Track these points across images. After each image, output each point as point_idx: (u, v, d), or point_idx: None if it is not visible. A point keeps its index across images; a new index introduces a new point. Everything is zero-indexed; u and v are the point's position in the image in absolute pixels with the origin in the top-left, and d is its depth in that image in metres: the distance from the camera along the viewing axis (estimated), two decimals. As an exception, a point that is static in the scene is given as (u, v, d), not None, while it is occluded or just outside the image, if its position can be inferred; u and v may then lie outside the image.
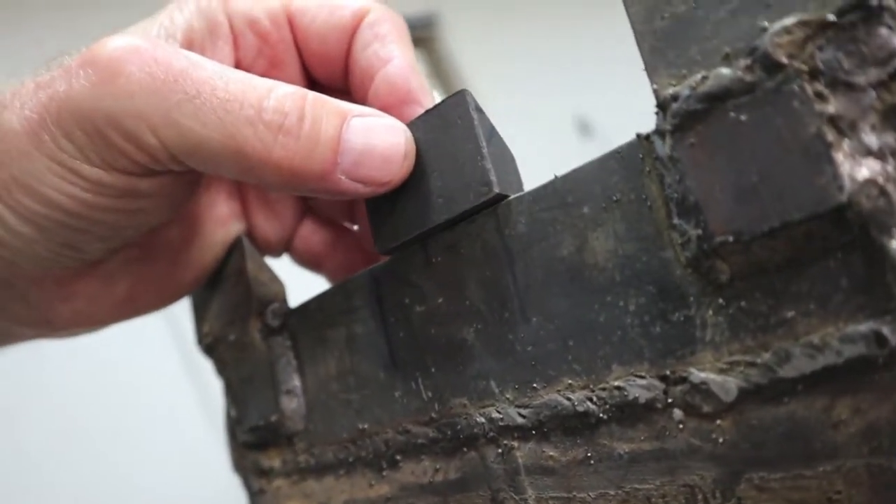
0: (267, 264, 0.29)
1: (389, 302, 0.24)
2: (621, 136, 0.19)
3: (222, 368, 0.30)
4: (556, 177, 0.20)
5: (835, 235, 0.15)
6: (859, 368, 0.15)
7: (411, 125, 0.22)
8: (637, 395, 0.18)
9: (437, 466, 0.23)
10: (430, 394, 0.23)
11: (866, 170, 0.14)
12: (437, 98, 0.24)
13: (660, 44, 0.17)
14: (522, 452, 0.21)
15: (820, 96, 0.15)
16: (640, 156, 0.18)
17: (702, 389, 0.17)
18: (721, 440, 0.17)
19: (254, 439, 0.28)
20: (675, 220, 0.17)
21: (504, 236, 0.21)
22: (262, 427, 0.27)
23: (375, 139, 0.21)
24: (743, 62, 0.16)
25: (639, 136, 0.18)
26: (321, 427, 0.26)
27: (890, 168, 0.14)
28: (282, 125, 0.20)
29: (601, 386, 0.19)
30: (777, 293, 0.16)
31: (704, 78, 0.16)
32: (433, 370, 0.23)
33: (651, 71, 0.17)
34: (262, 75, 0.26)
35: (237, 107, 0.20)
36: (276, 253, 0.31)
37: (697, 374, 0.17)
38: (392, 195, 0.23)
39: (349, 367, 0.25)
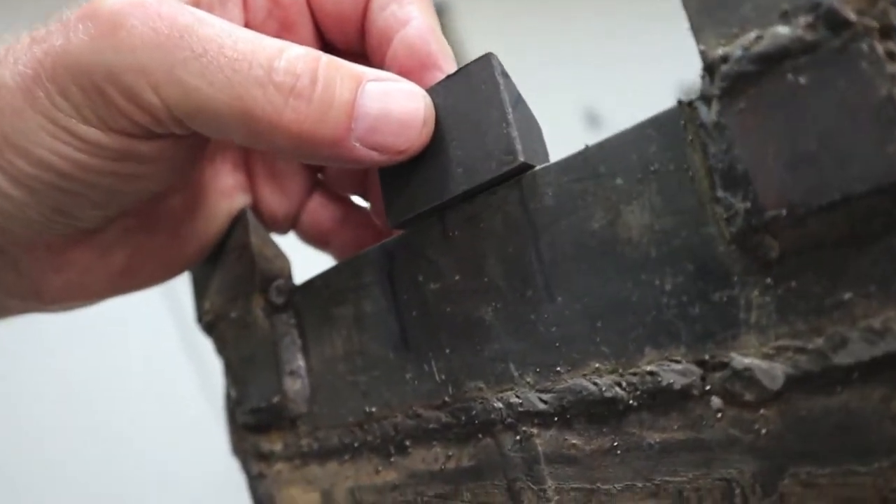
0: (272, 239, 0.27)
1: (402, 278, 0.22)
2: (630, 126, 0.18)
3: (223, 347, 0.28)
4: (587, 146, 0.19)
5: (901, 211, 0.14)
6: (925, 356, 0.14)
7: (431, 90, 0.21)
8: (671, 380, 0.17)
9: (450, 453, 0.22)
10: (443, 376, 0.21)
11: (943, 137, 0.13)
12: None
13: (708, 1, 0.16)
14: (542, 440, 0.19)
15: (892, 56, 0.13)
16: (682, 123, 0.17)
17: (744, 376, 0.16)
18: (764, 431, 0.16)
19: (254, 421, 0.27)
20: (720, 193, 0.16)
21: (528, 209, 0.19)
22: (264, 409, 0.26)
23: (392, 104, 0.20)
24: (804, 19, 0.14)
25: (681, 102, 0.17)
26: (326, 410, 0.25)
27: (970, 135, 0.13)
28: (293, 87, 0.19)
29: (632, 370, 0.18)
30: (833, 273, 0.15)
31: (759, 37, 0.15)
32: (447, 351, 0.21)
33: (697, 31, 0.16)
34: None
35: (246, 66, 0.19)
36: (283, 229, 0.29)
37: (740, 360, 0.16)
38: (407, 164, 0.21)
39: (357, 346, 0.24)
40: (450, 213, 0.21)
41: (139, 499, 1.10)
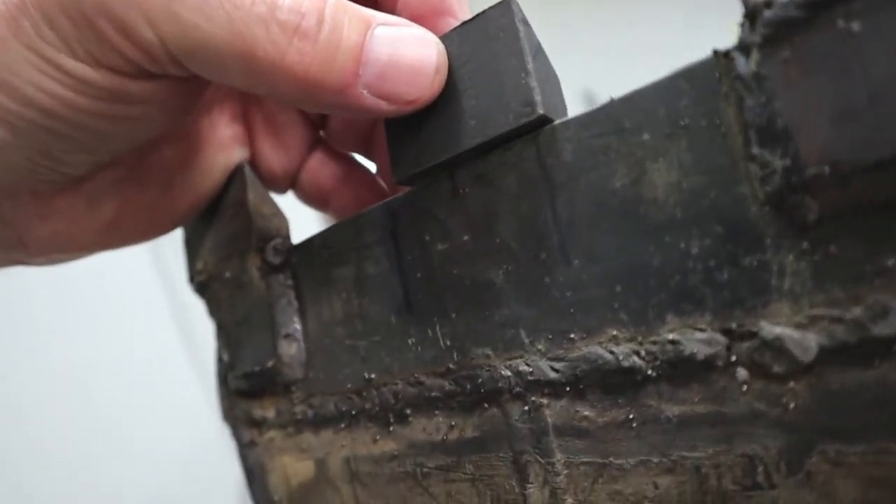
0: (270, 196, 0.26)
1: (407, 238, 0.21)
2: None
3: (216, 309, 0.27)
4: (612, 99, 0.17)
5: (957, 170, 0.12)
6: (974, 328, 0.13)
7: (445, 38, 0.20)
8: (694, 350, 0.16)
9: (453, 423, 0.20)
10: (448, 342, 0.20)
11: None
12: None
13: None
14: (552, 411, 0.18)
15: (958, 0, 0.12)
16: (717, 75, 0.16)
17: (774, 346, 0.15)
18: (792, 406, 0.15)
19: (247, 386, 0.26)
20: (755, 150, 0.15)
21: (546, 166, 0.18)
22: (257, 373, 0.25)
23: (403, 50, 0.19)
24: None
25: (716, 52, 0.16)
26: (322, 375, 0.24)
27: None
28: (298, 26, 0.18)
29: (651, 339, 0.17)
30: (876, 238, 0.14)
31: None
32: (453, 316, 0.20)
33: None
34: None
35: (248, 2, 0.17)
36: (281, 187, 0.28)
37: (770, 329, 0.15)
38: (416, 116, 0.20)
39: (357, 310, 0.23)
40: (460, 170, 0.20)
41: (123, 466, 1.09)
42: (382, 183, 0.28)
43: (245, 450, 0.27)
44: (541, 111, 0.18)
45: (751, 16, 0.15)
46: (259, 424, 0.26)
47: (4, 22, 0.18)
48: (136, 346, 1.12)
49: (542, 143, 0.18)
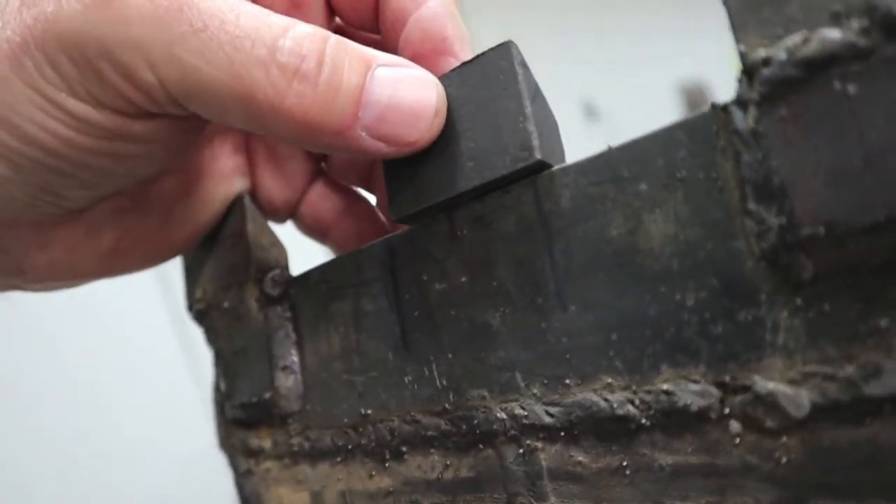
0: (269, 227, 0.26)
1: (405, 276, 0.21)
2: (628, 120, 0.17)
3: (213, 337, 0.27)
4: (609, 147, 0.18)
5: (950, 235, 0.13)
6: (965, 392, 0.13)
7: (445, 78, 0.20)
8: (688, 401, 0.16)
9: (448, 462, 0.21)
10: (444, 382, 0.20)
11: None
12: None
13: None
14: (547, 455, 0.19)
15: (952, 69, 0.12)
16: (714, 129, 0.16)
17: (767, 401, 0.15)
18: (784, 460, 0.15)
19: (244, 416, 0.26)
20: (751, 205, 0.15)
21: (543, 211, 0.18)
22: (254, 404, 0.25)
23: (404, 92, 0.19)
24: (857, 23, 0.13)
25: (714, 106, 0.16)
26: (319, 409, 0.24)
27: None
28: (298, 69, 0.18)
29: (646, 388, 0.17)
30: (869, 298, 0.14)
31: (806, 40, 0.14)
32: (450, 356, 0.20)
33: (738, 29, 0.15)
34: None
35: (248, 45, 0.17)
36: (281, 217, 0.28)
37: (764, 384, 0.15)
38: (415, 156, 0.20)
39: (354, 345, 0.23)
40: (459, 211, 0.20)
41: (125, 473, 1.09)
42: (382, 216, 0.28)
43: (242, 479, 0.27)
44: (538, 156, 0.18)
45: (749, 72, 0.15)
46: (256, 454, 0.26)
47: (8, 61, 0.18)
48: (140, 369, 1.12)
49: (540, 188, 0.18)
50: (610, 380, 0.17)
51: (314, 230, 0.28)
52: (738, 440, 0.16)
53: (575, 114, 1.92)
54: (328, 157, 0.28)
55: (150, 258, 0.26)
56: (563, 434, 0.18)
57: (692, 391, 0.16)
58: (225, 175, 0.26)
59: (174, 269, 0.29)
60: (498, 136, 0.19)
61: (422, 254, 0.21)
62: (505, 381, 0.19)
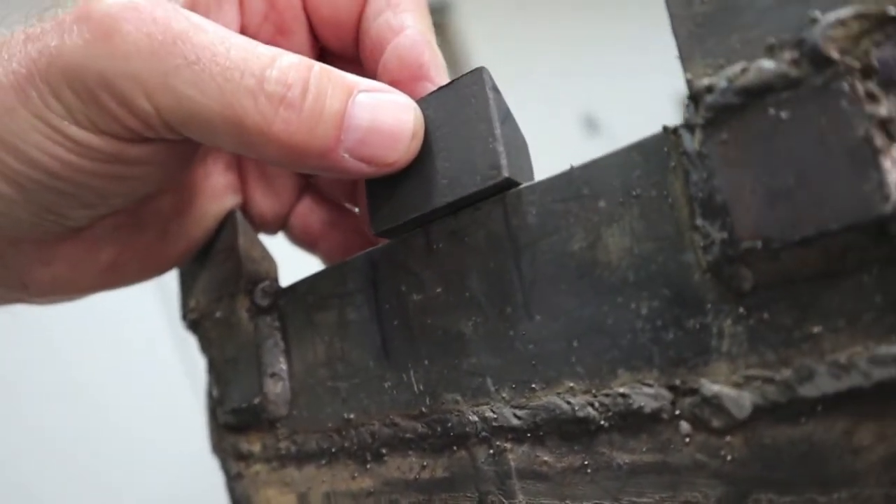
0: (260, 241, 0.28)
1: (385, 288, 0.23)
2: (628, 133, 0.18)
3: (206, 346, 0.28)
4: (572, 167, 0.19)
5: (873, 249, 0.14)
6: (888, 393, 0.14)
7: (422, 101, 0.21)
8: (642, 403, 0.17)
9: (425, 463, 0.22)
10: (421, 387, 0.22)
11: (915, 180, 0.13)
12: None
13: (698, 30, 0.16)
14: (515, 455, 0.20)
15: (871, 97, 0.14)
16: (666, 150, 0.17)
17: (713, 403, 0.16)
18: (729, 458, 0.16)
19: (234, 421, 0.27)
20: (699, 221, 0.16)
21: (511, 226, 0.20)
22: (244, 409, 0.26)
23: (383, 116, 0.20)
24: (788, 55, 0.14)
25: (665, 128, 0.17)
26: (305, 413, 0.25)
27: (942, 179, 0.13)
28: (284, 97, 0.19)
29: (604, 391, 0.18)
30: (804, 306, 0.15)
31: (744, 70, 0.15)
32: (426, 363, 0.21)
33: (685, 59, 0.16)
34: (268, 42, 0.24)
35: (238, 75, 0.19)
36: (272, 230, 0.29)
37: (709, 387, 0.16)
38: (395, 174, 0.21)
39: (339, 353, 0.24)
40: (434, 227, 0.21)
41: (121, 484, 1.10)
42: (367, 229, 0.29)
43: (233, 482, 0.28)
44: (506, 174, 0.19)
45: (694, 98, 0.16)
46: (246, 458, 0.27)
47: (13, 92, 0.19)
48: (140, 375, 1.13)
49: (508, 205, 0.20)
50: (572, 384, 0.18)
51: (304, 242, 0.29)
52: (688, 439, 0.17)
53: (575, 126, 1.93)
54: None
55: (148, 272, 0.27)
56: (529, 435, 0.19)
57: (646, 394, 0.17)
58: (217, 192, 0.27)
59: (172, 279, 0.30)
60: (470, 156, 0.20)
61: (400, 266, 0.22)
62: (476, 386, 0.20)
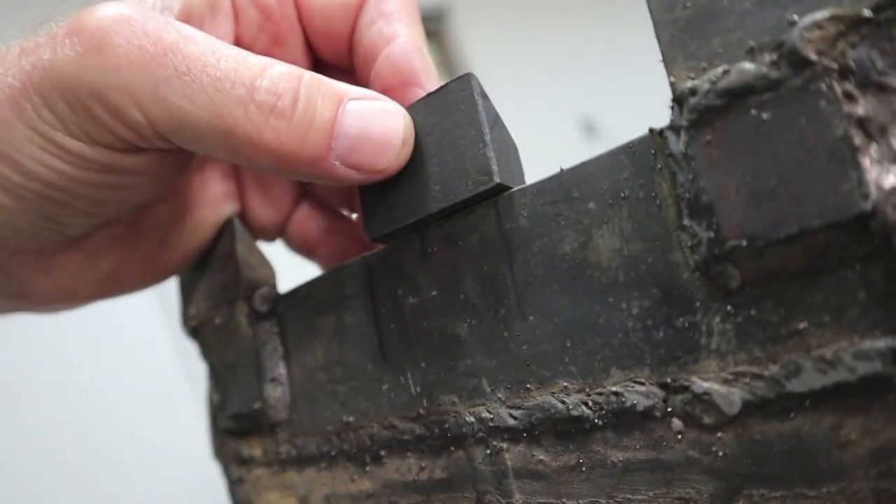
0: (258, 248, 0.28)
1: (382, 292, 0.23)
2: (627, 137, 0.18)
3: (207, 352, 0.29)
4: (561, 170, 0.19)
5: (855, 246, 0.14)
6: (873, 387, 0.14)
7: (412, 108, 0.22)
8: (635, 401, 0.17)
9: (423, 464, 0.22)
10: (418, 389, 0.22)
11: (894, 177, 0.13)
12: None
13: (680, 34, 0.16)
14: (511, 455, 0.20)
15: (849, 97, 0.14)
16: (653, 152, 0.17)
17: (704, 400, 0.16)
18: (721, 454, 0.16)
19: (235, 426, 0.27)
20: (686, 221, 0.16)
21: (504, 229, 0.20)
22: (245, 414, 0.26)
23: (373, 124, 0.20)
24: (768, 57, 0.15)
25: (652, 131, 0.17)
26: (305, 417, 0.25)
27: (920, 176, 0.14)
28: (274, 107, 0.19)
29: (598, 390, 0.18)
30: (789, 303, 0.15)
31: (726, 72, 0.15)
32: (423, 365, 0.22)
33: (669, 62, 0.16)
34: (264, 52, 0.25)
35: (228, 86, 0.19)
36: (270, 237, 0.30)
37: (700, 384, 0.16)
38: (388, 180, 0.22)
39: (337, 357, 0.24)
40: (429, 231, 0.22)
41: (124, 490, 1.10)
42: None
43: (234, 486, 0.28)
44: (497, 180, 0.20)
45: (678, 101, 0.16)
46: (247, 462, 0.27)
47: (8, 105, 0.20)
48: (141, 382, 1.14)
49: (501, 209, 0.20)
50: (566, 383, 0.19)
51: (301, 248, 0.30)
52: (680, 436, 0.17)
53: (573, 130, 1.94)
54: (312, 181, 0.30)
55: (147, 280, 0.27)
56: (525, 435, 0.20)
57: (638, 392, 0.17)
58: (215, 200, 0.27)
59: (172, 286, 0.31)
60: (461, 162, 0.20)
61: (396, 271, 0.22)
62: (473, 387, 0.21)
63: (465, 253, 0.21)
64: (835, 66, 0.14)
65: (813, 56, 0.14)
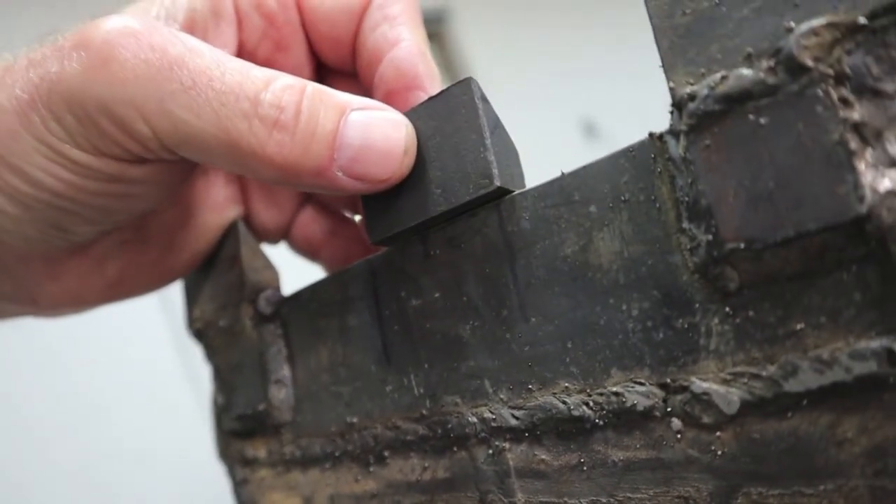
0: (262, 250, 0.28)
1: (385, 294, 0.23)
2: (627, 138, 0.19)
3: (211, 354, 0.29)
4: (563, 173, 0.19)
5: (851, 248, 0.14)
6: (868, 386, 0.14)
7: (413, 112, 0.22)
8: (635, 401, 0.18)
9: (426, 465, 0.22)
10: (421, 390, 0.22)
11: (889, 181, 0.14)
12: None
13: (679, 40, 0.16)
14: (514, 455, 0.20)
15: (845, 102, 0.14)
16: (652, 155, 0.18)
17: (703, 400, 0.17)
18: (720, 452, 0.17)
19: (240, 428, 0.27)
20: (685, 224, 0.17)
21: (506, 232, 0.20)
22: (249, 416, 0.27)
23: (375, 134, 0.21)
24: (765, 63, 0.15)
25: (651, 135, 0.18)
26: (309, 418, 0.26)
27: (914, 180, 0.14)
28: (277, 120, 0.20)
29: (598, 391, 0.18)
30: (787, 304, 0.16)
31: (724, 78, 0.16)
32: (426, 366, 0.22)
33: (668, 68, 0.17)
34: (267, 58, 0.25)
35: (233, 99, 0.19)
36: (274, 240, 0.30)
37: (699, 384, 0.17)
38: None
39: (341, 358, 0.25)
40: (431, 233, 0.22)
41: (127, 492, 1.10)
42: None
43: (239, 487, 0.28)
44: (497, 183, 0.20)
45: (678, 105, 0.17)
46: (251, 463, 0.28)
47: (17, 117, 0.20)
48: (143, 386, 1.14)
49: (503, 211, 0.20)
50: (567, 384, 0.19)
51: (305, 251, 0.30)
52: (679, 436, 0.17)
53: (574, 132, 1.94)
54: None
55: (153, 284, 0.28)
56: (527, 435, 0.20)
57: (638, 392, 0.18)
58: (219, 204, 0.28)
59: (175, 290, 0.31)
60: (462, 165, 0.21)
61: (400, 273, 0.23)
62: (475, 388, 0.21)
63: (468, 255, 0.21)
64: (831, 72, 0.14)
65: (809, 62, 0.14)
